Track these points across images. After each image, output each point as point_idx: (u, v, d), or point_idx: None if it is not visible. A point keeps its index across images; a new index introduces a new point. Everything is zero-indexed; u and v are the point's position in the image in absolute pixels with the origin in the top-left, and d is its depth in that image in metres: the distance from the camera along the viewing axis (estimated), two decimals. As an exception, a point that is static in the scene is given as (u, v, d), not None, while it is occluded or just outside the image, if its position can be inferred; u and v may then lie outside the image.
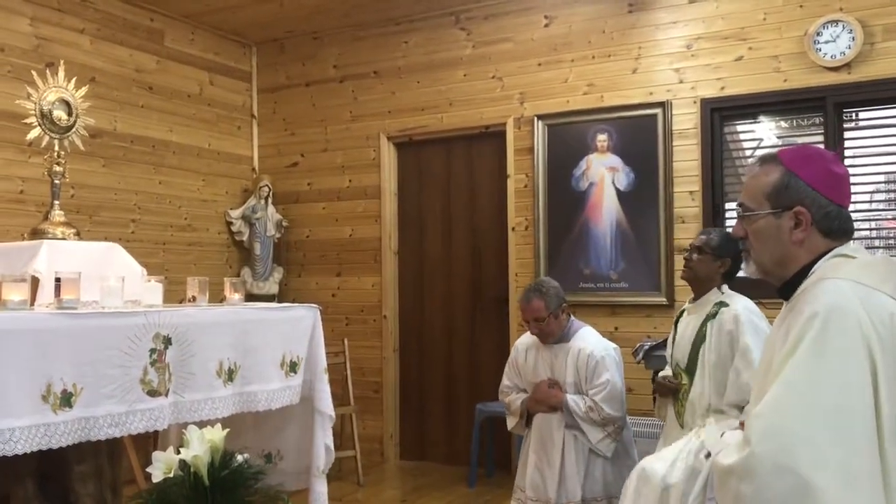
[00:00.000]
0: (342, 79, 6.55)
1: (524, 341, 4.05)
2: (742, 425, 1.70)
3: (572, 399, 3.75)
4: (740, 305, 3.32)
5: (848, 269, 1.73)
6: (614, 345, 3.97)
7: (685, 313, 3.57)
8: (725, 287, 3.45)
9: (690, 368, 3.40)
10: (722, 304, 3.36)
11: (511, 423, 4.02)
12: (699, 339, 3.37)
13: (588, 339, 3.87)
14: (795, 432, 1.54)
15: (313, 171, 6.66)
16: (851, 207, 1.90)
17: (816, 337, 1.61)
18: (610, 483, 3.74)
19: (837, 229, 1.81)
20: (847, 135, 4.92)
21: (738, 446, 1.62)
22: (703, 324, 3.37)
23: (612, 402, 3.70)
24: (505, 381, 4.07)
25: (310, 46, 6.68)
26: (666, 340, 4.69)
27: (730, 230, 3.60)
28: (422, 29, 6.22)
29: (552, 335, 3.86)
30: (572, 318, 3.97)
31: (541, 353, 3.92)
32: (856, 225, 1.94)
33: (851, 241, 1.85)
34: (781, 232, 1.82)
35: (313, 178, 6.66)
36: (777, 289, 1.89)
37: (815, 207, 1.79)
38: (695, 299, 3.53)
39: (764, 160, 1.89)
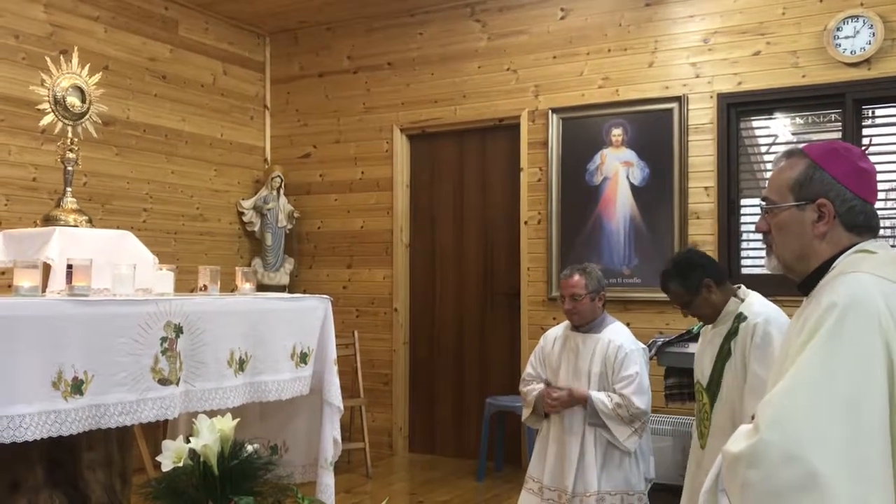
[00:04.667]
0: (356, 70, 6.53)
1: (553, 332, 4.04)
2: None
3: (598, 398, 3.69)
4: (761, 318, 3.02)
5: (869, 263, 1.70)
6: (643, 345, 3.95)
7: (710, 326, 3.26)
8: (742, 290, 3.18)
9: (712, 388, 3.16)
10: (741, 317, 3.08)
11: (525, 413, 4.00)
12: (722, 356, 3.12)
13: (619, 333, 3.85)
14: (806, 421, 1.52)
15: (325, 163, 6.64)
16: (868, 205, 1.86)
17: (833, 327, 1.59)
18: (627, 478, 3.71)
19: (862, 224, 1.78)
20: (864, 132, 4.87)
21: (748, 434, 1.61)
22: (726, 341, 3.11)
23: (641, 396, 3.66)
24: (528, 370, 4.03)
25: (324, 37, 6.66)
26: (680, 337, 4.66)
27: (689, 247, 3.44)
28: (436, 20, 6.19)
29: (584, 317, 3.84)
30: (606, 312, 3.95)
31: (568, 343, 3.90)
32: (875, 222, 1.89)
33: (875, 239, 1.82)
34: (804, 225, 1.79)
35: (325, 170, 6.64)
36: (797, 284, 1.86)
37: (839, 201, 1.76)
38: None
39: (790, 154, 1.86)
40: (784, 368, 1.66)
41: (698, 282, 3.13)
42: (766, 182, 1.92)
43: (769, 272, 1.94)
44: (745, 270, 5.12)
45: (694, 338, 4.42)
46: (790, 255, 1.83)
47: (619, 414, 3.65)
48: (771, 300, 3.22)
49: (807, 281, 1.82)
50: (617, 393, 3.69)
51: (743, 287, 3.22)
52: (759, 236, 1.94)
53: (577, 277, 3.82)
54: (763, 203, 1.88)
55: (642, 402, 3.66)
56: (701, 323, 3.38)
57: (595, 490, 3.65)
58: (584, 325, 3.86)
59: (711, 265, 3.21)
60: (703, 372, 3.21)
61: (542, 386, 3.89)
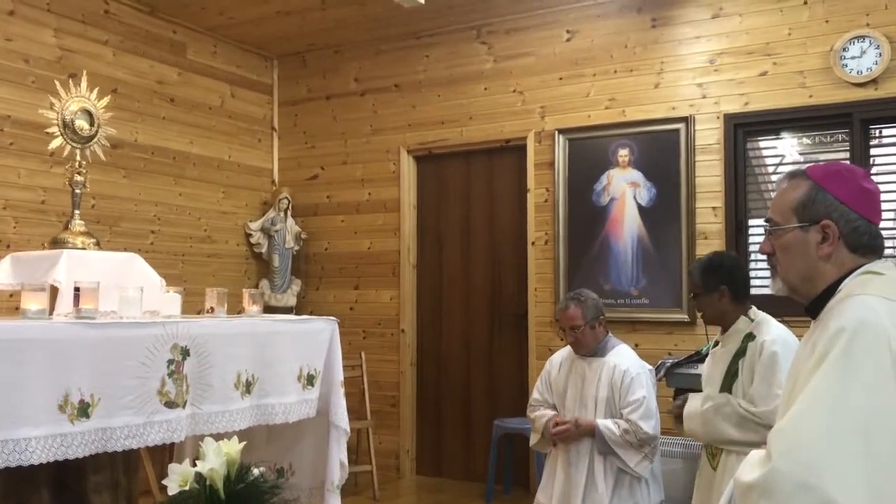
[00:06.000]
0: (363, 92, 6.56)
1: (559, 356, 4.02)
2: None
3: (604, 425, 3.65)
4: (769, 337, 3.05)
5: (876, 285, 1.69)
6: (650, 366, 3.92)
7: (719, 345, 3.28)
8: (754, 310, 3.19)
9: None
10: (750, 336, 3.10)
11: (534, 439, 3.97)
12: (730, 376, 3.12)
13: (625, 356, 3.82)
14: (819, 449, 1.50)
15: (333, 184, 6.66)
16: (874, 226, 1.85)
17: (842, 352, 1.57)
18: (638, 502, 3.67)
19: (866, 245, 1.77)
20: (872, 152, 4.85)
21: (760, 462, 1.58)
22: (734, 361, 3.12)
23: (648, 420, 3.63)
24: (535, 395, 4.01)
25: (331, 60, 6.69)
26: (689, 358, 4.63)
27: (718, 252, 3.46)
28: (443, 43, 6.22)
29: (586, 346, 3.82)
30: (609, 334, 3.92)
31: (574, 367, 3.87)
32: (882, 243, 1.88)
33: (881, 259, 1.80)
34: (808, 246, 1.78)
35: (333, 191, 6.66)
36: (804, 307, 1.84)
37: (842, 222, 1.75)
38: (724, 331, 3.27)
39: (792, 175, 1.86)
40: (794, 395, 1.64)
41: (715, 284, 3.17)
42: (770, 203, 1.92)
43: (775, 294, 1.93)
44: (753, 291, 5.08)
45: (702, 359, 4.39)
46: (795, 276, 1.81)
47: (628, 440, 3.62)
48: (779, 321, 3.21)
49: (814, 304, 1.80)
50: (624, 418, 3.66)
51: (754, 308, 3.21)
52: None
53: (573, 309, 3.80)
54: (767, 225, 1.87)
55: (649, 426, 3.63)
56: (710, 344, 3.37)
57: None
58: (588, 351, 3.84)
59: (737, 278, 3.20)
60: (713, 394, 3.19)
61: (550, 412, 3.86)
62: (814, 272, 1.78)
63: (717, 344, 3.28)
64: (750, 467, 1.61)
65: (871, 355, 1.56)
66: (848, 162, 4.66)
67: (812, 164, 1.98)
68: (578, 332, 3.79)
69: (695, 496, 3.27)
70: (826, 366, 1.58)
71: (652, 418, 3.66)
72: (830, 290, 1.76)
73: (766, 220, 1.88)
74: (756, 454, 1.65)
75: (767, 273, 4.94)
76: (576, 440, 3.72)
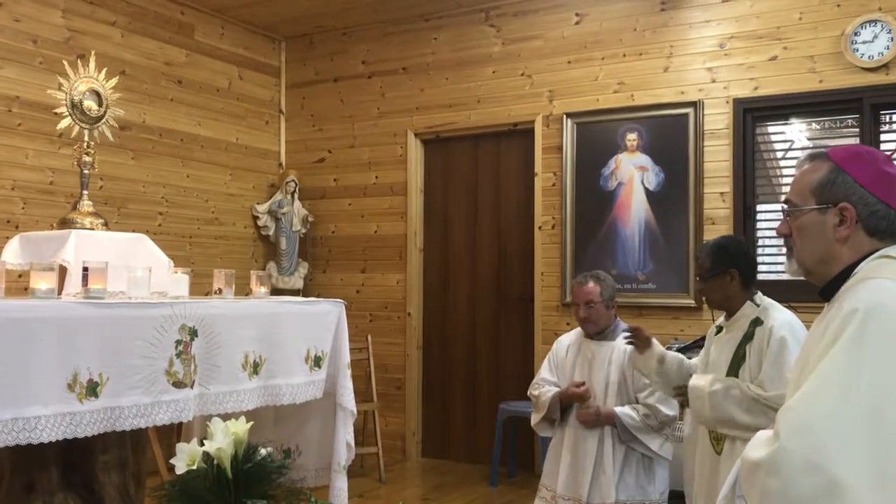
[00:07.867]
0: (370, 75, 6.54)
1: (566, 338, 4.01)
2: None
3: (624, 412, 3.63)
4: (777, 322, 3.01)
5: (891, 269, 1.68)
6: None
7: (723, 330, 3.23)
8: (759, 296, 3.15)
9: None
10: (757, 321, 3.06)
11: (535, 418, 3.96)
12: (737, 360, 3.08)
13: None
14: (827, 430, 1.49)
15: (340, 167, 6.65)
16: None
17: (855, 333, 1.56)
18: (643, 486, 3.67)
19: (885, 229, 1.76)
20: (882, 137, 4.83)
21: (768, 441, 1.58)
22: (741, 345, 3.08)
23: (667, 402, 3.62)
24: (543, 374, 3.98)
25: (339, 42, 6.67)
26: (695, 343, 4.62)
27: (724, 237, 3.43)
28: (451, 25, 6.19)
29: (597, 325, 3.80)
30: (618, 319, 3.92)
31: (582, 350, 3.85)
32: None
33: None
34: (825, 229, 1.77)
35: (340, 174, 6.65)
36: (819, 290, 1.83)
37: (861, 205, 1.74)
38: (729, 317, 3.22)
39: (813, 157, 1.84)
40: (804, 375, 1.64)
41: (723, 267, 3.13)
42: (788, 186, 1.91)
43: (789, 277, 1.92)
44: (760, 276, 5.07)
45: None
46: (810, 258, 1.81)
47: (649, 424, 3.61)
48: (785, 306, 3.19)
49: (828, 286, 1.80)
50: (641, 402, 3.65)
51: (760, 293, 3.20)
52: (776, 242, 1.93)
53: (591, 284, 3.78)
54: (785, 206, 1.86)
55: (668, 407, 3.62)
56: (715, 328, 3.35)
57: (612, 500, 3.60)
58: (598, 332, 3.84)
59: (746, 262, 3.17)
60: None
61: (555, 389, 3.85)
62: (830, 255, 1.77)
63: (720, 330, 3.26)
64: (757, 445, 1.61)
65: (883, 337, 1.56)
66: (858, 147, 4.63)
67: (833, 147, 1.95)
68: (593, 309, 3.77)
69: (696, 480, 3.27)
70: (838, 347, 1.57)
71: (669, 399, 3.64)
72: (845, 273, 1.75)
73: (785, 202, 1.87)
74: (764, 433, 1.65)
75: (774, 259, 4.95)
76: (594, 427, 3.71)
